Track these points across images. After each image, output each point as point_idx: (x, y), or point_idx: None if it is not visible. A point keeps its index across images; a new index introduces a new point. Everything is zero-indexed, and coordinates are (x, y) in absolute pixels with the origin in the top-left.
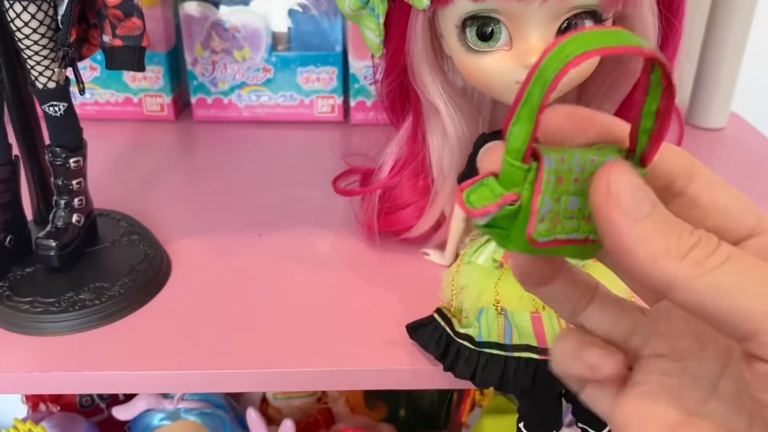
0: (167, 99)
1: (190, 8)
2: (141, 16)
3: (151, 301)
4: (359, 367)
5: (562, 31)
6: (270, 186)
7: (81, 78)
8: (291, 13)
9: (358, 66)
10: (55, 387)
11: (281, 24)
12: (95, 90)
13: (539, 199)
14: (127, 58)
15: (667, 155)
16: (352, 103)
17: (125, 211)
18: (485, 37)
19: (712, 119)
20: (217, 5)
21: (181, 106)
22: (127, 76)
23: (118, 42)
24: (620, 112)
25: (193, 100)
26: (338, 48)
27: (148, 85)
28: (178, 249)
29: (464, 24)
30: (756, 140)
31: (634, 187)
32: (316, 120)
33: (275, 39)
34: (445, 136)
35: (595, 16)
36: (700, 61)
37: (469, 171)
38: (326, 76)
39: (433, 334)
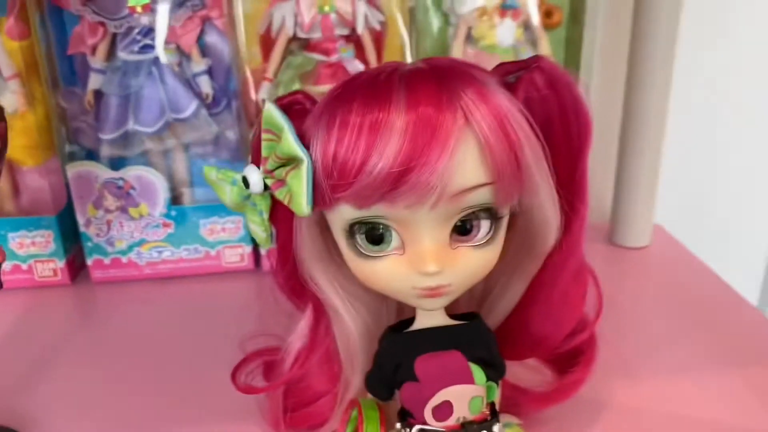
0: (60, 263)
1: (79, 168)
2: None
3: None
4: None
5: (457, 230)
6: (175, 363)
7: None
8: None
9: None
10: None
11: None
12: None
13: None
14: None
15: None
16: (263, 250)
17: (4, 413)
18: (376, 240)
19: (635, 237)
20: (109, 164)
21: (78, 267)
22: (13, 242)
23: None
24: (530, 291)
25: (89, 261)
26: None
27: (37, 251)
28: None
29: (352, 229)
30: (681, 257)
31: None
32: (225, 270)
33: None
34: (349, 331)
35: (491, 212)
36: (617, 177)
37: (375, 371)
38: (232, 226)
39: None
